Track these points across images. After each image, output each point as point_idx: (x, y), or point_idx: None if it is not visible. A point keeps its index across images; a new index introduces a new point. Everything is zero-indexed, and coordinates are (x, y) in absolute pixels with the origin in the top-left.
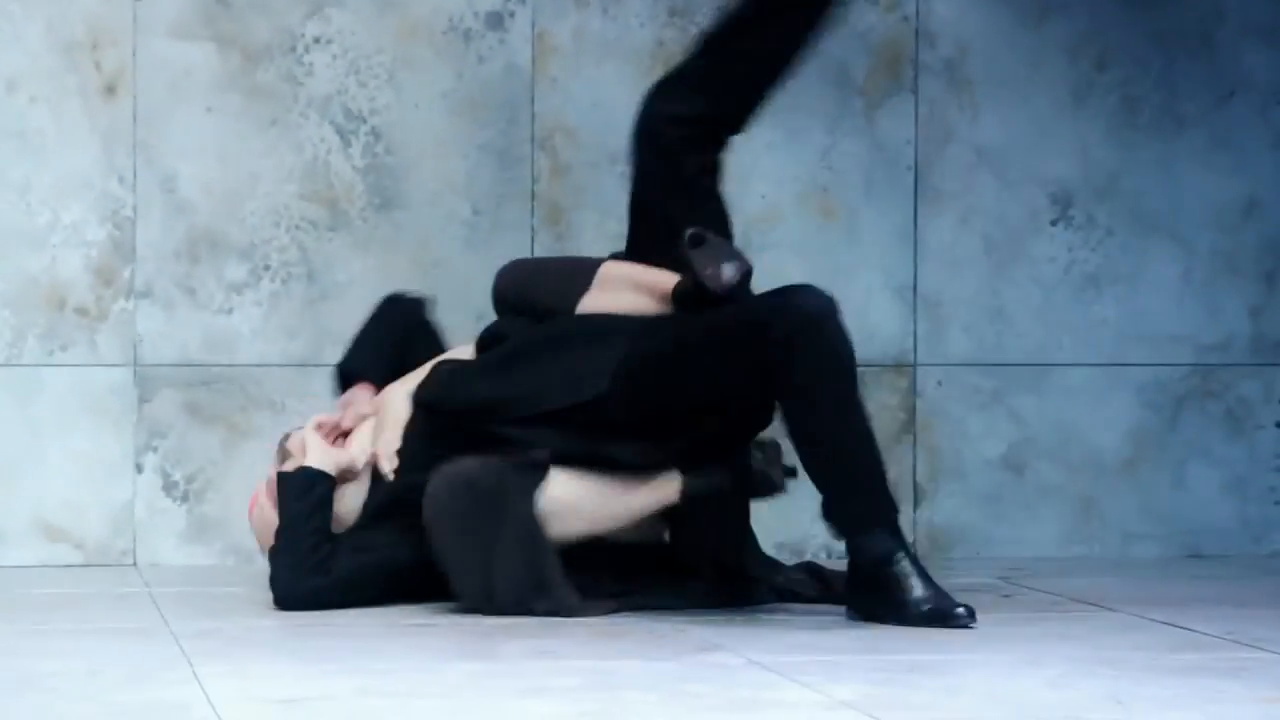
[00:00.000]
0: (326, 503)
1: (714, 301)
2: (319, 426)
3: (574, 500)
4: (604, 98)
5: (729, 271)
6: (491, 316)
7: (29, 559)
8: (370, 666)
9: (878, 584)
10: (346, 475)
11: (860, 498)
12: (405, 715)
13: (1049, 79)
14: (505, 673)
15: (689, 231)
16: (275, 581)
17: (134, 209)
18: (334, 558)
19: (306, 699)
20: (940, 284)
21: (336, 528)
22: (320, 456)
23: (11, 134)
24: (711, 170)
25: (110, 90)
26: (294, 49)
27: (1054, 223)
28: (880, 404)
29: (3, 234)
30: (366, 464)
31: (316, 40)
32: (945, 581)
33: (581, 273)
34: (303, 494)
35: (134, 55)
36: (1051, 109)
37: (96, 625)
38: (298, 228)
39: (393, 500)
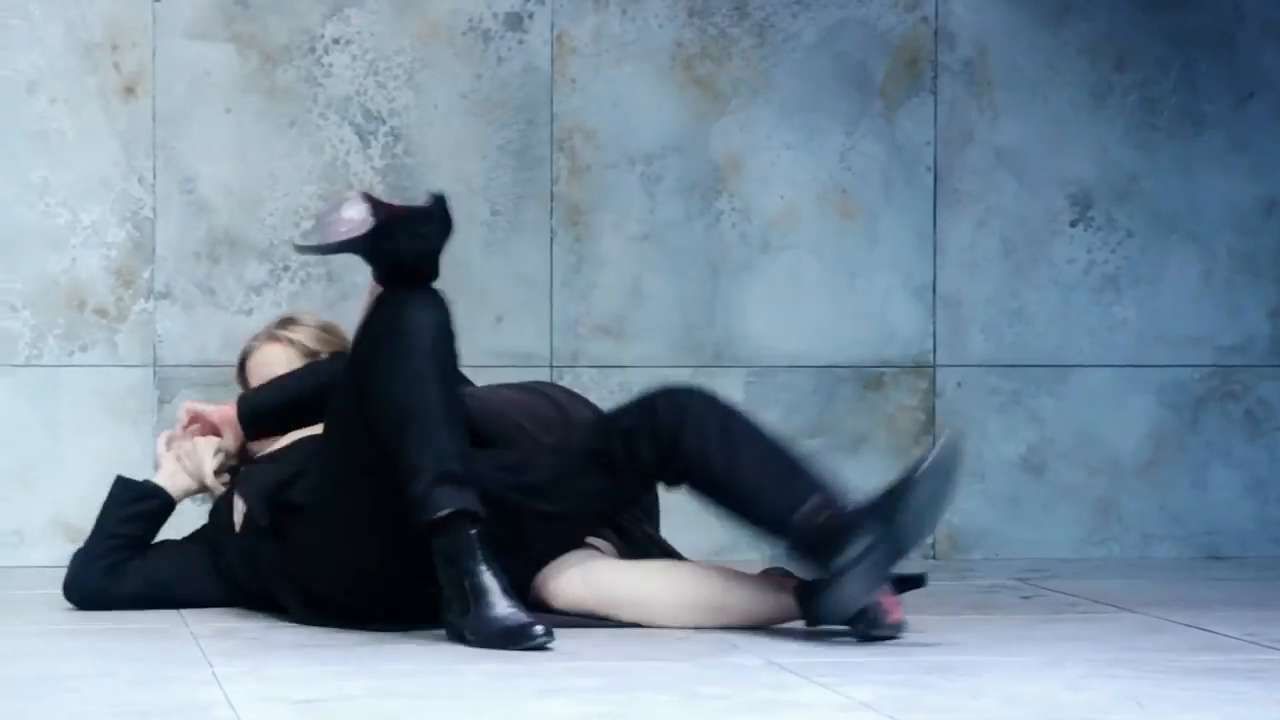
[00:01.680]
0: (149, 516)
1: (368, 254)
2: (179, 432)
3: None
4: (623, 98)
5: (348, 211)
6: (510, 319)
7: (48, 559)
8: (388, 668)
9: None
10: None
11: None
12: (423, 716)
13: (1068, 80)
14: (523, 674)
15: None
16: (68, 572)
17: (153, 210)
18: (128, 566)
19: (325, 700)
20: (959, 285)
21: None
22: (167, 476)
23: (31, 135)
24: None
25: (129, 91)
26: (313, 50)
27: (1073, 224)
28: (899, 405)
29: (23, 235)
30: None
31: (336, 41)
32: (964, 583)
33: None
34: (125, 503)
35: (153, 56)
36: (1071, 110)
37: (115, 625)
38: None
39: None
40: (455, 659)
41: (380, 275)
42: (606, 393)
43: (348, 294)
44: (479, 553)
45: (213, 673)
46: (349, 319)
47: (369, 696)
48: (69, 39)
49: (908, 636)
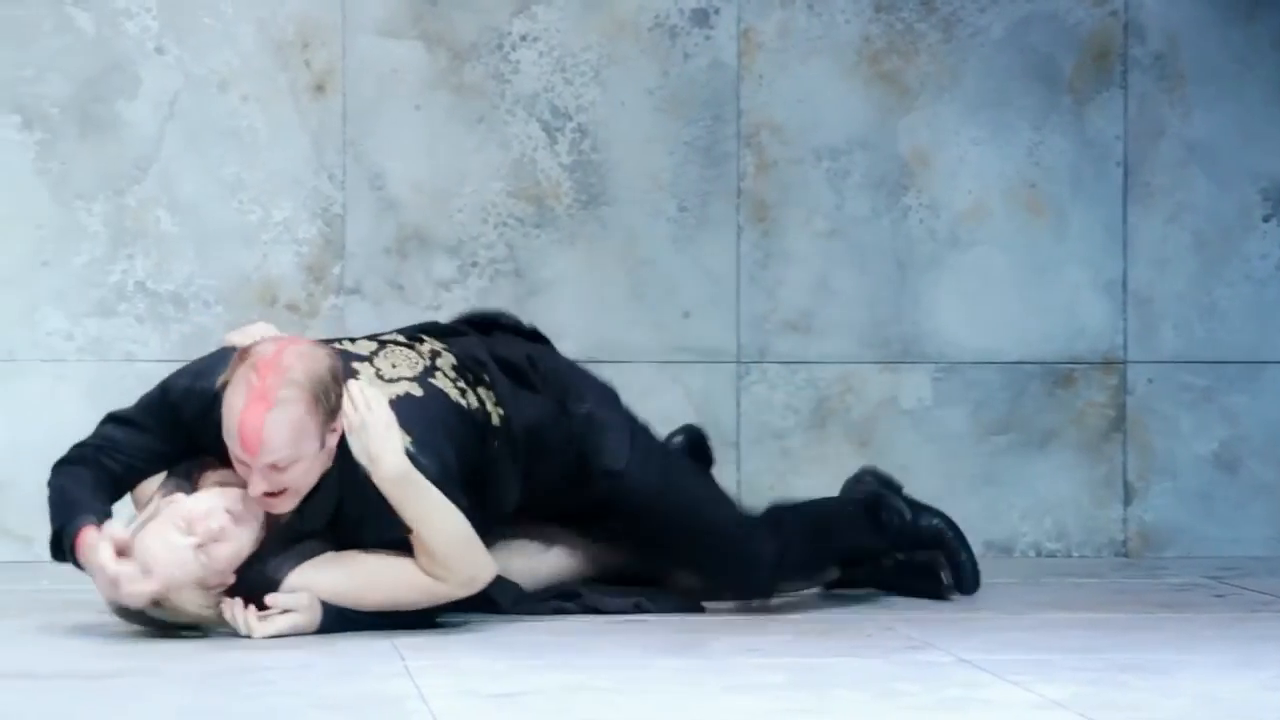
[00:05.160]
0: None
1: None
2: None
3: None
4: (810, 94)
5: None
6: (697, 314)
7: None
8: (579, 662)
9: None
10: None
11: None
12: (614, 710)
13: (1260, 73)
14: (713, 669)
15: None
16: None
17: (344, 206)
18: None
19: (517, 694)
20: (1150, 281)
21: None
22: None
23: (224, 132)
24: None
25: (320, 88)
26: (501, 46)
27: (1266, 219)
28: (1089, 401)
29: (216, 231)
30: None
31: (523, 38)
32: (1157, 581)
33: None
34: None
35: (343, 54)
36: (1263, 104)
37: None
38: (505, 224)
39: None
40: (643, 654)
41: None
42: (793, 388)
43: (535, 290)
44: None
45: (404, 666)
46: (536, 314)
47: (561, 691)
48: (260, 37)
49: (1101, 635)
